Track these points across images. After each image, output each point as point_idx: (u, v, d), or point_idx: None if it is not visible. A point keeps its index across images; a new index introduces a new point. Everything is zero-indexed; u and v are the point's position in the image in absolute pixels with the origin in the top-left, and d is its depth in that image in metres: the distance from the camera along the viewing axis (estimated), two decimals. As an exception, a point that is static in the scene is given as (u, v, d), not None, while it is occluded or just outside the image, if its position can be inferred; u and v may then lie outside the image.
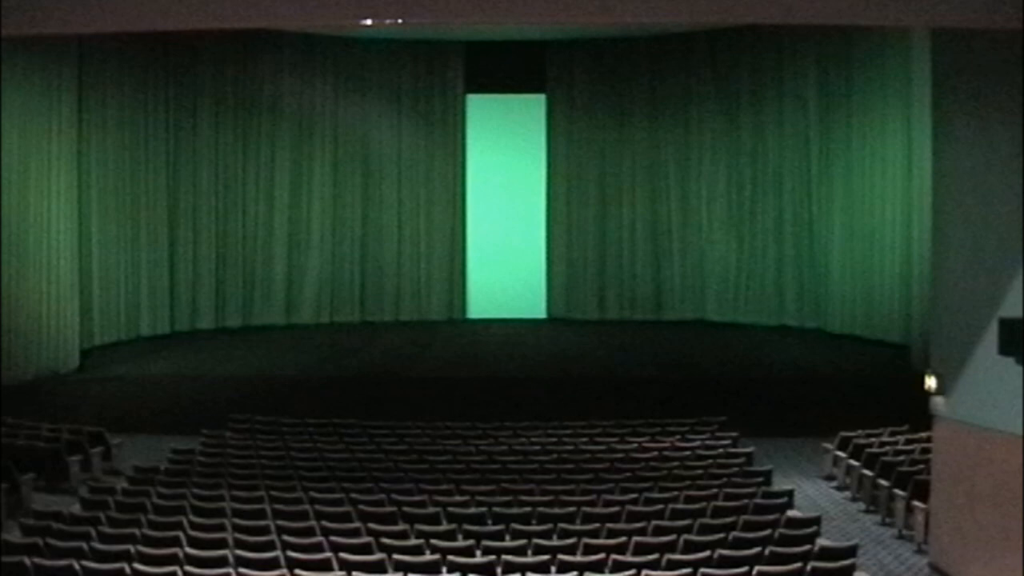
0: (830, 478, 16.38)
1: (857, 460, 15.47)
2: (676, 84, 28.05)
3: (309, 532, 11.22)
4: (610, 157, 28.43)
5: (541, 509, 12.09)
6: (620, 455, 15.15)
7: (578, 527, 11.43)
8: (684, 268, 28.15)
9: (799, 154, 26.54)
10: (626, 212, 28.42)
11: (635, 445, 15.82)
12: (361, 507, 12.14)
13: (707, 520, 11.54)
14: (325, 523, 11.50)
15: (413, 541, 10.96)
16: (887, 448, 15.37)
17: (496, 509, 12.13)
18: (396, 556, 10.27)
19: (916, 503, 13.17)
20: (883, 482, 14.35)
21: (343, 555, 10.26)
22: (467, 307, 28.57)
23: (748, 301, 27.48)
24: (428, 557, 10.35)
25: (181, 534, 11.01)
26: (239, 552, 10.36)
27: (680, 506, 12.18)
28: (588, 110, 28.49)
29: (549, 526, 11.44)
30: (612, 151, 28.42)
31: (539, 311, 28.57)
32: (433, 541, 10.84)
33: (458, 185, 28.56)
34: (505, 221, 28.67)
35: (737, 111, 27.54)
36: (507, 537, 11.22)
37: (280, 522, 11.51)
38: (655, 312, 28.21)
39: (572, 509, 12.07)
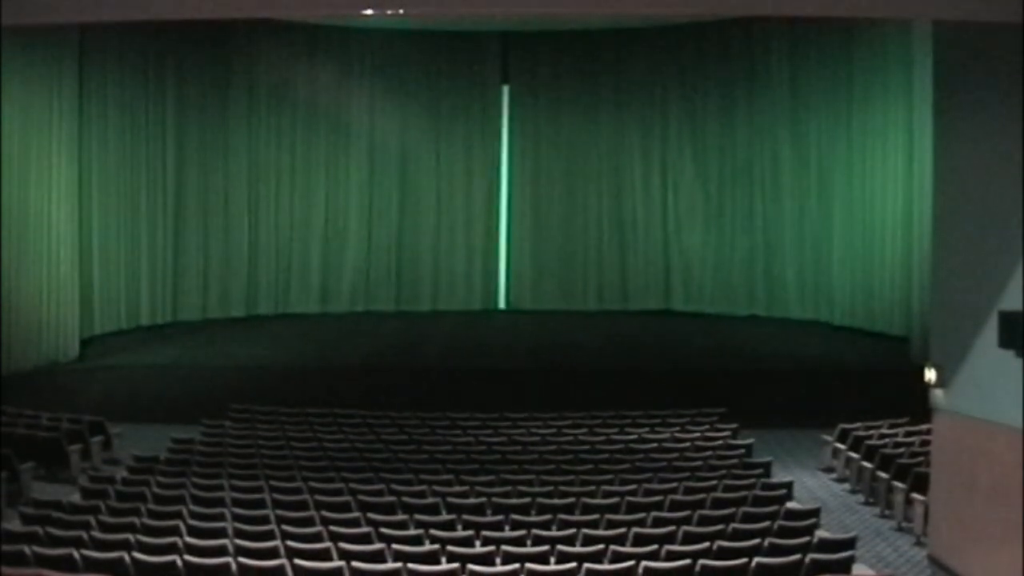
0: (829, 470, 16.39)
1: (856, 452, 15.48)
2: (642, 77, 28.08)
3: (308, 522, 11.23)
4: (575, 148, 28.48)
5: (540, 500, 12.11)
6: (619, 446, 15.17)
7: (577, 518, 11.44)
8: (649, 258, 28.19)
9: (769, 146, 26.76)
10: (592, 203, 28.45)
11: (635, 436, 15.83)
12: (360, 497, 12.16)
13: (706, 511, 11.56)
14: (324, 513, 11.51)
15: (412, 531, 10.97)
16: (887, 440, 15.38)
17: (495, 499, 12.15)
18: (395, 546, 10.28)
19: (915, 495, 13.17)
20: (882, 474, 14.36)
21: (342, 545, 10.27)
22: (498, 297, 28.73)
23: (715, 291, 27.61)
24: (427, 547, 10.37)
25: (181, 523, 11.03)
26: (238, 542, 10.36)
27: (679, 497, 12.19)
28: (552, 101, 28.50)
29: (548, 517, 11.45)
30: (577, 142, 28.45)
31: (498, 301, 28.71)
32: (432, 531, 10.86)
33: (493, 174, 28.75)
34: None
35: (705, 104, 27.70)
36: (506, 527, 11.24)
37: (279, 512, 11.53)
38: (620, 302, 28.25)
39: (571, 500, 12.09)
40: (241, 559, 9.82)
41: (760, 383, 20.09)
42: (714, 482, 12.93)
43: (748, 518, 11.33)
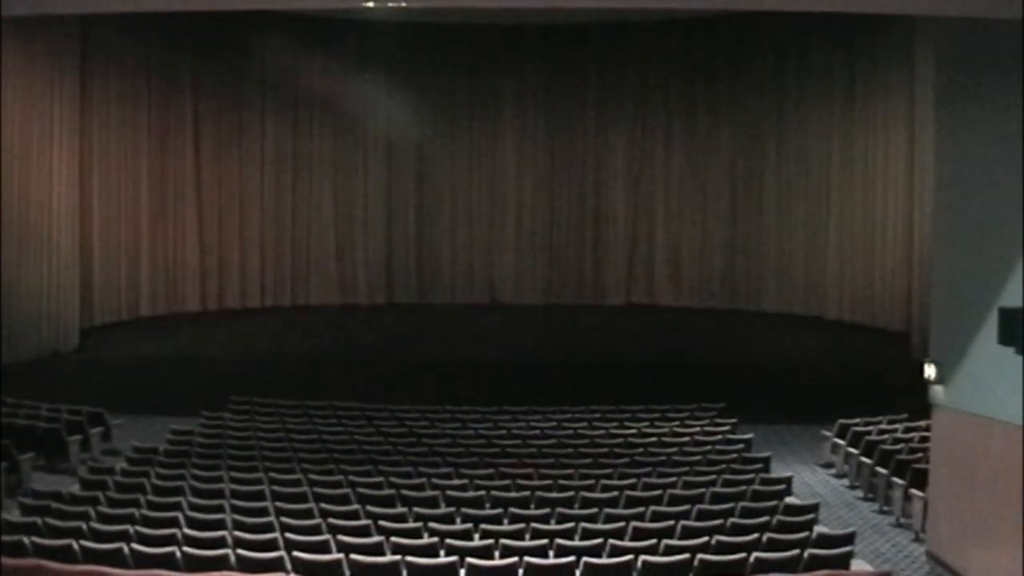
0: (828, 465, 16.39)
1: (856, 448, 15.48)
2: (628, 72, 28.15)
3: (307, 514, 11.24)
4: (559, 143, 28.57)
5: (539, 493, 12.11)
6: (619, 440, 15.17)
7: (576, 512, 11.44)
8: (632, 253, 28.23)
9: (765, 143, 26.91)
10: (576, 197, 28.51)
11: (634, 431, 15.83)
12: (360, 490, 12.16)
13: (705, 506, 11.56)
14: (324, 505, 11.52)
15: (411, 524, 10.99)
16: (886, 436, 15.38)
17: (494, 493, 12.15)
18: (394, 539, 10.28)
19: (914, 491, 13.19)
20: (881, 470, 14.37)
21: (341, 537, 10.27)
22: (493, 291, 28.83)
23: (697, 286, 27.71)
24: (426, 540, 10.37)
25: (180, 515, 11.03)
26: (237, 534, 10.37)
27: (679, 492, 12.20)
28: (538, 95, 28.54)
29: (547, 510, 11.46)
30: (561, 137, 28.53)
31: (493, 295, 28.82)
32: (431, 524, 10.87)
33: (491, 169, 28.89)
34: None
35: (693, 99, 27.84)
36: (505, 521, 11.24)
37: (279, 504, 11.53)
38: (597, 298, 28.30)
39: (571, 494, 12.09)
40: (240, 551, 9.83)
41: (760, 378, 20.09)
42: (713, 477, 12.94)
43: (747, 513, 11.33)
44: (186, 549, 9.88)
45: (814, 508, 11.68)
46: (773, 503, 11.75)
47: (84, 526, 10.49)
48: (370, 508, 11.43)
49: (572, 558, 9.75)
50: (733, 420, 16.51)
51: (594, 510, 11.45)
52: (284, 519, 10.95)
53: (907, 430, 15.70)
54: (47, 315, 20.99)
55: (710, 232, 27.73)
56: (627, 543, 10.27)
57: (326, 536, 10.39)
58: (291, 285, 27.80)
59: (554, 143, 28.48)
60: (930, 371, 12.22)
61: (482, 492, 12.17)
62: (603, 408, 17.05)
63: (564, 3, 17.33)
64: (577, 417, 16.66)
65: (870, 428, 15.96)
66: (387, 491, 12.20)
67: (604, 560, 9.82)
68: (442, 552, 10.11)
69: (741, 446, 15.06)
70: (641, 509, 11.45)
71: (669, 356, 22.10)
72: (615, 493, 12.12)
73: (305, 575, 9.53)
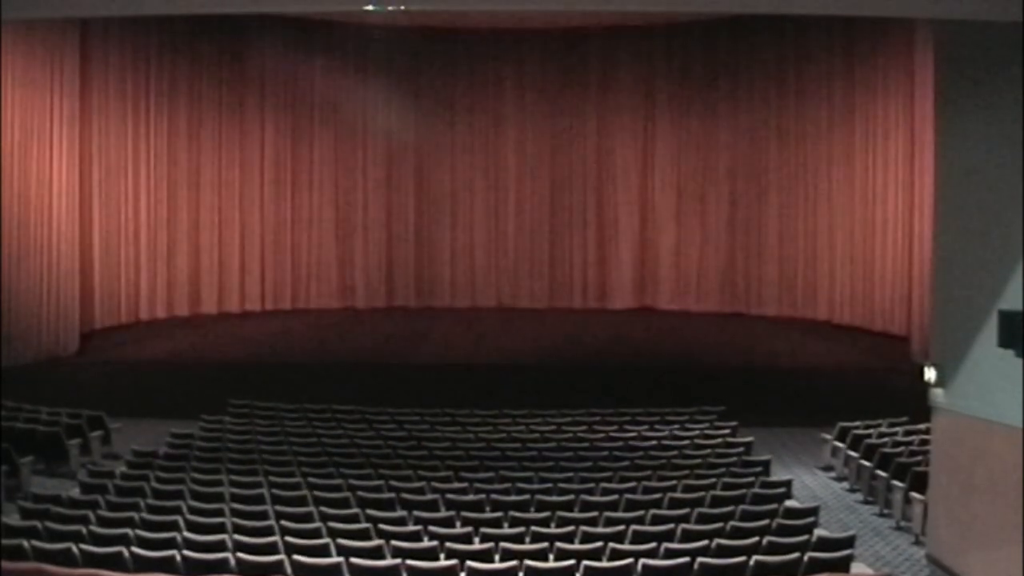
0: (828, 468, 16.38)
1: (856, 451, 15.48)
2: (628, 74, 28.20)
3: (307, 518, 11.23)
4: (561, 145, 28.58)
5: (539, 497, 12.10)
6: (619, 443, 15.16)
7: (576, 515, 11.44)
8: (633, 256, 28.23)
9: (764, 144, 26.91)
10: (578, 200, 28.53)
11: (634, 434, 15.82)
12: (359, 493, 12.15)
13: (705, 509, 11.55)
14: (323, 508, 11.51)
15: (411, 527, 10.97)
16: (886, 439, 15.37)
17: (494, 496, 12.14)
18: (394, 542, 10.28)
19: (914, 494, 13.17)
20: (881, 473, 14.36)
21: (341, 541, 10.27)
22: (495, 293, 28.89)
23: (698, 289, 27.71)
24: (426, 543, 10.36)
25: (180, 518, 11.02)
26: (237, 537, 10.36)
27: (678, 495, 12.19)
28: (539, 99, 28.55)
29: (547, 514, 11.45)
30: (562, 139, 28.54)
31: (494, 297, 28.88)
32: (431, 527, 10.86)
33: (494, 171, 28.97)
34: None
35: (691, 102, 27.87)
36: (505, 524, 11.23)
37: (278, 507, 11.53)
38: (607, 300, 28.32)
39: (570, 497, 12.08)
40: (240, 554, 9.82)
41: (760, 381, 20.09)
42: (713, 480, 12.93)
43: (747, 516, 11.32)
44: (186, 552, 9.88)
45: (814, 511, 11.67)
46: (773, 506, 11.74)
47: (84, 530, 10.48)
48: (370, 511, 11.42)
49: (572, 562, 9.74)
50: (733, 423, 16.50)
51: (594, 513, 11.44)
52: (284, 523, 10.94)
53: (907, 433, 15.69)
54: (47, 319, 21.00)
55: (710, 235, 27.77)
56: (627, 546, 10.26)
57: (326, 540, 10.38)
58: (291, 288, 27.85)
59: (555, 145, 28.52)
60: (930, 374, 12.21)
61: (482, 495, 12.16)
62: (603, 411, 17.04)
63: (563, 5, 17.28)
64: (577, 420, 16.64)
65: (870, 431, 15.95)
66: (387, 494, 12.19)
67: (604, 563, 9.80)
68: (442, 555, 10.10)
69: (741, 449, 15.04)
70: (641, 512, 11.44)
71: (669, 359, 22.07)
72: (615, 496, 12.11)
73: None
